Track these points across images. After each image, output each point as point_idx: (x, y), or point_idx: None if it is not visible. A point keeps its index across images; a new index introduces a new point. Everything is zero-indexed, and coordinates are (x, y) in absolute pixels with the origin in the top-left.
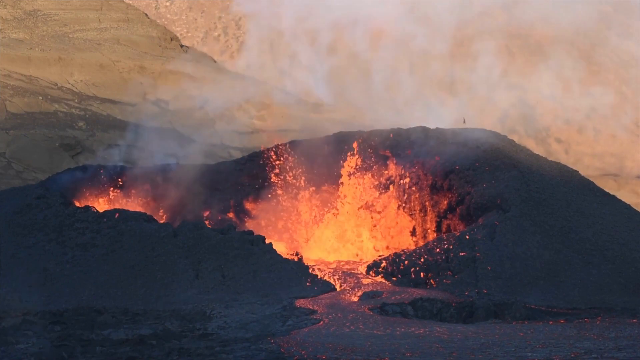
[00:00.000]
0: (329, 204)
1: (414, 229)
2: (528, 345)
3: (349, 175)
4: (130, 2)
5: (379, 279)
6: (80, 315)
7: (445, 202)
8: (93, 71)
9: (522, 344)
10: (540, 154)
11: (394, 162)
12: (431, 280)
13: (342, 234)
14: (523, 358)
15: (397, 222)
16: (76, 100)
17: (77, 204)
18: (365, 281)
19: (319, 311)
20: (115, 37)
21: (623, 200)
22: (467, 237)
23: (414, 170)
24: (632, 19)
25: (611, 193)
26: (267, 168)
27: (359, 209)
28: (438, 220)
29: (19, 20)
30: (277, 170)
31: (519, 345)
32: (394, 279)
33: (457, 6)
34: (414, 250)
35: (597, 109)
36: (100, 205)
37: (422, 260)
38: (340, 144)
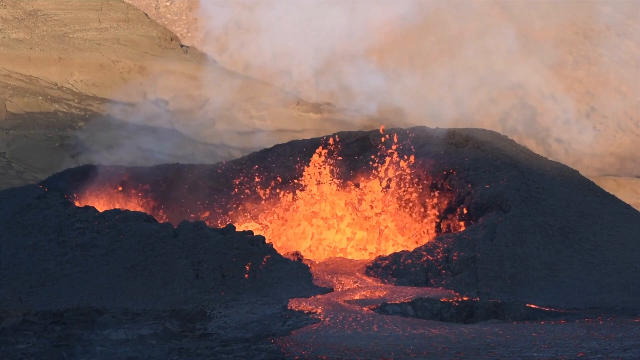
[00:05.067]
0: (330, 204)
1: (414, 229)
2: (534, 345)
3: (349, 175)
4: (130, 2)
5: (379, 279)
6: (80, 315)
7: (445, 202)
8: (93, 71)
9: (528, 344)
10: (540, 154)
11: (394, 162)
12: (431, 280)
13: (342, 234)
14: (529, 358)
15: (397, 222)
16: (76, 100)
17: (77, 204)
18: (365, 281)
19: (319, 311)
20: (115, 37)
21: (623, 200)
22: (467, 237)
23: (414, 170)
24: (632, 19)
25: (611, 193)
26: (267, 168)
27: (359, 209)
28: (438, 220)
29: (19, 20)
30: (277, 170)
31: (524, 346)
32: (394, 279)
33: (456, 6)
34: (414, 250)
35: (597, 109)
36: (100, 205)
37: (422, 260)
38: (340, 143)
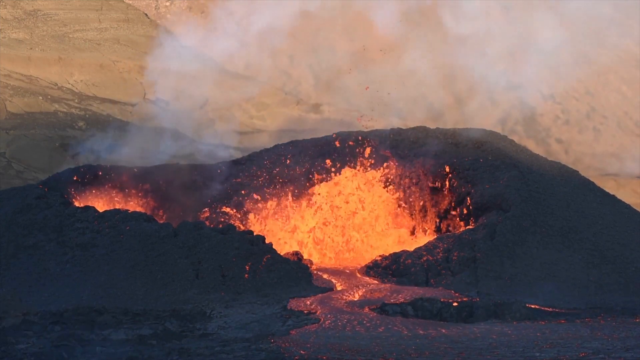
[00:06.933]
0: (330, 204)
1: (414, 229)
2: (536, 345)
3: (350, 175)
4: (130, 2)
5: (379, 279)
6: (80, 315)
7: (445, 202)
8: (93, 71)
9: (530, 344)
10: (540, 154)
11: (394, 162)
12: (431, 280)
13: (342, 233)
14: (531, 358)
15: (397, 222)
16: (76, 100)
17: (77, 204)
18: (365, 281)
19: (319, 311)
20: (115, 37)
21: (623, 200)
22: (467, 237)
23: (414, 170)
24: (632, 19)
25: (611, 193)
26: (267, 168)
27: (359, 208)
28: (438, 220)
29: (19, 20)
30: (277, 170)
31: (527, 346)
32: (394, 279)
33: (457, 6)
34: (414, 250)
35: (597, 109)
36: (100, 205)
37: (422, 260)
38: (340, 143)
